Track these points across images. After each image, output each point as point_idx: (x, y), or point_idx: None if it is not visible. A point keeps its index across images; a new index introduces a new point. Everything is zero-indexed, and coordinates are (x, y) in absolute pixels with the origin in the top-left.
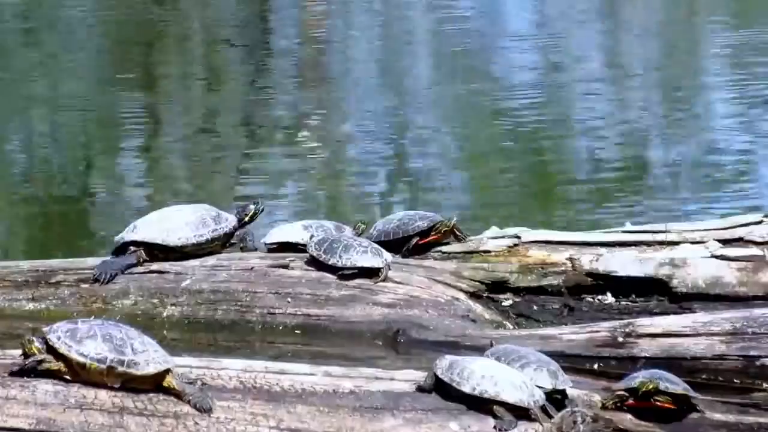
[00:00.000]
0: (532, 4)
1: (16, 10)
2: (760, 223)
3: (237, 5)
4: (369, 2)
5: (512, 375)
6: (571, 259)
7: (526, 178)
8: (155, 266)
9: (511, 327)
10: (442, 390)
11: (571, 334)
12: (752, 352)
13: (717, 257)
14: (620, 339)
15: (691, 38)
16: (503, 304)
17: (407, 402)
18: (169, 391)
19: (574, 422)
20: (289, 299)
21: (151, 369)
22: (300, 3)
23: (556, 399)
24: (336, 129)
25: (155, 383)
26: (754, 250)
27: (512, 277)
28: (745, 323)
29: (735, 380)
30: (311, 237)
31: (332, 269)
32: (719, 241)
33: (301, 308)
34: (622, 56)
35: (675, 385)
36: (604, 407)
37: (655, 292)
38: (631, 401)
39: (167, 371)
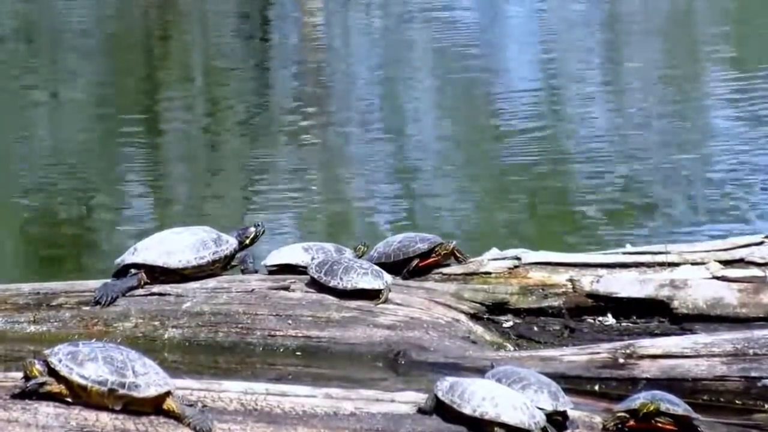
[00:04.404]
0: (533, 21)
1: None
2: (761, 244)
3: (236, 17)
4: (367, 14)
5: (513, 396)
6: (571, 280)
7: (526, 200)
8: (156, 288)
9: (512, 348)
10: (443, 412)
11: (572, 356)
12: (753, 373)
13: (718, 278)
14: (621, 360)
15: (693, 53)
16: (504, 325)
17: (408, 424)
18: (169, 414)
19: None
20: (290, 321)
21: (152, 391)
22: (299, 13)
23: (557, 420)
24: (336, 153)
25: (156, 406)
26: (755, 272)
27: (513, 299)
28: (746, 344)
29: (736, 401)
30: (312, 259)
31: (333, 291)
32: (720, 262)
33: (301, 330)
34: (623, 74)
35: (676, 406)
36: (605, 429)
37: (656, 314)
38: (632, 422)
39: (168, 393)
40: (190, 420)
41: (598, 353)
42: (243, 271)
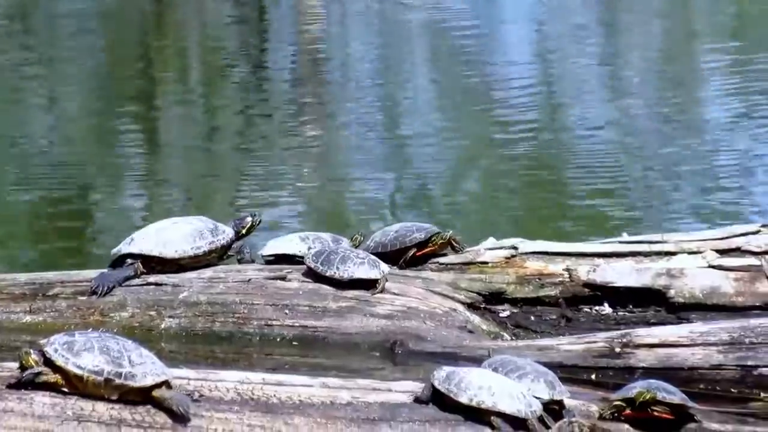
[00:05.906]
0: (533, 20)
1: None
2: (757, 233)
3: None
4: (366, 16)
5: (510, 386)
6: (568, 269)
7: (523, 189)
8: (152, 278)
9: (509, 338)
10: (440, 401)
11: (569, 345)
12: (749, 362)
13: (714, 267)
14: (617, 349)
15: (688, 47)
16: (501, 315)
17: (405, 413)
18: (153, 401)
19: None
20: (287, 311)
21: (149, 381)
22: (298, 14)
23: (554, 409)
24: (333, 141)
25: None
26: (751, 260)
27: (509, 288)
28: (742, 333)
29: (732, 390)
30: (308, 249)
31: (330, 281)
32: (716, 251)
33: (298, 320)
34: (620, 67)
35: (672, 395)
36: (601, 418)
37: (653, 303)
38: (628, 411)
39: (164, 383)
40: (169, 401)
41: (595, 342)
42: (240, 261)
